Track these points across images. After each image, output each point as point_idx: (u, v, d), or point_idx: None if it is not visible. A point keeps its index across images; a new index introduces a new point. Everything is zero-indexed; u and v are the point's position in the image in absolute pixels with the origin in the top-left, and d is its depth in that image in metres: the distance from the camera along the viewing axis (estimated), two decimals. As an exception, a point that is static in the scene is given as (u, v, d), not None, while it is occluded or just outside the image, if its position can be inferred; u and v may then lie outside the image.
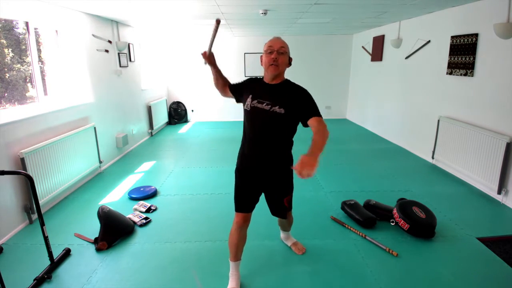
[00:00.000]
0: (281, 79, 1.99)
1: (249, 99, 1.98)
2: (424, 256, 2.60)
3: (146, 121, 6.87)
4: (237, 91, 2.15)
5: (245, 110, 2.02)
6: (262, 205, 2.25)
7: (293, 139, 2.08)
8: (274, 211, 2.25)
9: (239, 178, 2.16)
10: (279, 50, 1.90)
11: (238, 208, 2.16)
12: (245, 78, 2.19)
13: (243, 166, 2.13)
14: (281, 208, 2.21)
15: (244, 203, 2.14)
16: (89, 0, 3.70)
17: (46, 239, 2.42)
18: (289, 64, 2.00)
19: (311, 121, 1.85)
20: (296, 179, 2.07)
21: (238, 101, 2.17)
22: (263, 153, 2.02)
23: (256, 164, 2.06)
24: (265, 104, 1.92)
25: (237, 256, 2.23)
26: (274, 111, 1.90)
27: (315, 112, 1.88)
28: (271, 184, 2.12)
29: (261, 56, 2.02)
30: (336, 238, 2.87)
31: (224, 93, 2.24)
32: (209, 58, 2.15)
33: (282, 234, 2.75)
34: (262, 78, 2.06)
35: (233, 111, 8.65)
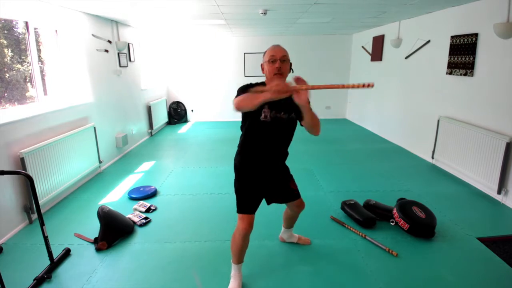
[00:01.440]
0: None
1: (266, 110, 1.96)
2: (424, 256, 2.60)
3: (146, 121, 6.87)
4: None
5: (261, 122, 1.98)
6: (262, 206, 2.25)
7: (304, 140, 2.17)
8: (286, 198, 2.31)
9: (245, 180, 2.15)
10: (281, 59, 1.92)
11: (245, 210, 2.11)
12: (245, 84, 2.02)
13: (250, 170, 2.14)
14: (290, 192, 2.29)
15: (250, 204, 2.12)
16: (89, 0, 3.70)
17: (46, 239, 2.42)
18: (291, 70, 2.03)
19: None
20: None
21: (246, 113, 2.06)
22: (277, 158, 2.16)
23: (270, 168, 2.16)
24: (282, 113, 1.98)
25: (240, 259, 2.24)
26: (291, 117, 2.00)
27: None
28: (276, 178, 2.21)
29: (261, 64, 2.04)
30: (336, 238, 2.87)
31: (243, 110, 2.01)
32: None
33: (285, 233, 2.74)
34: (264, 84, 1.99)
35: (233, 111, 8.64)
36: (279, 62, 1.91)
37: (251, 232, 2.17)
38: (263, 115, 1.98)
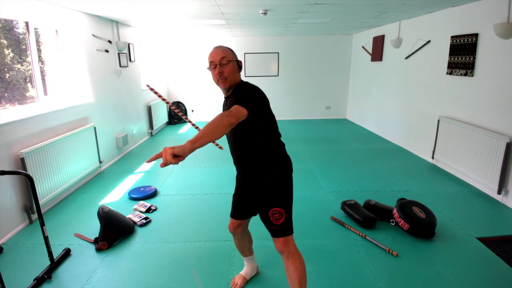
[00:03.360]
0: (234, 87, 1.81)
1: None
2: (424, 256, 2.60)
3: (146, 121, 6.87)
4: None
5: None
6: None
7: (283, 141, 1.91)
8: (265, 224, 1.88)
9: (235, 188, 2.14)
10: (221, 62, 1.74)
11: (231, 213, 2.15)
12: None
13: (237, 177, 2.10)
14: (267, 222, 1.82)
15: (234, 209, 2.12)
16: (89, 0, 3.70)
17: (46, 239, 2.42)
18: (240, 68, 1.82)
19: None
20: (296, 189, 1.97)
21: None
22: (238, 166, 1.94)
23: (240, 177, 2.01)
24: None
25: (243, 254, 2.29)
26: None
27: (237, 102, 1.59)
28: (258, 196, 1.88)
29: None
30: (336, 238, 2.87)
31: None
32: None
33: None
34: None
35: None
36: (219, 67, 1.74)
37: (243, 232, 2.17)
38: None
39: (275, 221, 1.79)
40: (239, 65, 1.82)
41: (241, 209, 2.07)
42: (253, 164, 1.83)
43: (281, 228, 1.80)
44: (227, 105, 1.78)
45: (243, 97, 1.64)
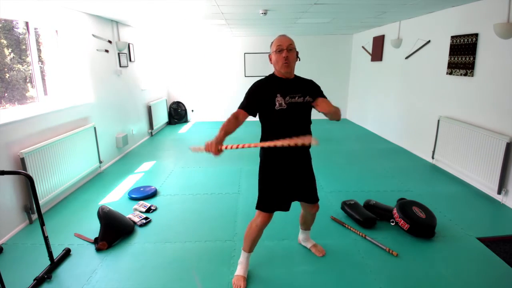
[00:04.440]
0: (293, 74, 2.12)
1: (279, 98, 2.00)
2: (424, 256, 2.60)
3: (146, 121, 6.87)
4: (255, 106, 2.06)
5: (277, 110, 2.00)
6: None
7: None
8: (304, 196, 2.24)
9: (272, 177, 2.12)
10: (288, 48, 1.99)
11: (268, 209, 2.12)
12: (249, 87, 2.11)
13: (278, 164, 2.10)
14: (312, 194, 2.26)
15: (272, 202, 2.12)
16: (89, 0, 3.70)
17: (46, 239, 2.42)
18: (297, 58, 2.10)
19: (320, 100, 2.01)
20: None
21: (259, 113, 2.10)
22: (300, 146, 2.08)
23: (293, 158, 2.11)
24: (297, 97, 2.02)
25: (251, 248, 2.30)
26: (307, 101, 2.04)
27: (324, 95, 2.11)
28: (299, 171, 2.16)
29: (269, 55, 2.11)
30: (336, 238, 2.87)
31: (240, 123, 2.06)
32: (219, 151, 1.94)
33: (301, 235, 2.70)
34: (270, 77, 2.12)
35: (233, 111, 8.64)
36: (286, 51, 1.98)
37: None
38: (277, 103, 2.01)
39: (315, 191, 2.27)
40: (297, 54, 2.09)
41: (287, 199, 2.17)
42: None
43: (317, 195, 2.31)
44: (303, 87, 2.07)
45: (321, 89, 2.13)
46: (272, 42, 2.08)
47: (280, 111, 2.00)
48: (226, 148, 1.91)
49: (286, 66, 2.00)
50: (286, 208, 2.19)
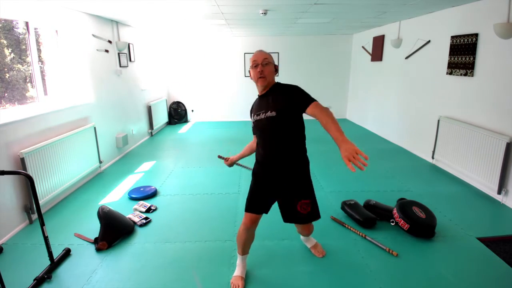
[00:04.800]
0: (269, 86, 2.09)
1: (251, 116, 2.18)
2: (424, 256, 2.60)
3: (146, 121, 6.87)
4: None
5: (252, 128, 2.20)
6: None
7: (306, 140, 2.13)
8: (285, 217, 2.23)
9: (254, 181, 2.21)
10: (263, 62, 2.03)
11: (247, 208, 2.18)
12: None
13: (258, 171, 2.19)
14: (294, 213, 2.17)
15: (254, 204, 2.16)
16: (89, 0, 3.70)
17: (46, 239, 2.42)
18: (276, 71, 2.12)
19: (310, 109, 1.86)
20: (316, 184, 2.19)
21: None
22: (273, 158, 2.09)
23: (268, 169, 2.13)
24: (261, 114, 2.06)
25: (244, 251, 2.31)
26: (267, 116, 2.01)
27: (309, 100, 1.90)
28: (284, 187, 2.14)
29: (249, 71, 2.15)
30: (336, 238, 2.87)
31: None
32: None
33: (302, 236, 2.70)
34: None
35: (233, 111, 8.66)
36: (260, 66, 2.02)
37: (256, 229, 2.23)
38: (252, 121, 2.16)
39: (303, 210, 2.16)
40: (275, 68, 2.11)
41: (264, 203, 2.17)
42: (291, 156, 2.08)
43: (308, 216, 2.19)
44: (270, 102, 2.02)
45: (306, 94, 1.95)
46: (250, 59, 2.14)
47: (253, 128, 2.19)
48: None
49: (262, 80, 2.03)
50: (265, 210, 2.18)
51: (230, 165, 2.49)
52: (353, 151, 1.55)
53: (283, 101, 1.97)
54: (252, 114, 2.15)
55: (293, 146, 2.07)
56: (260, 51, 2.09)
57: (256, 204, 2.16)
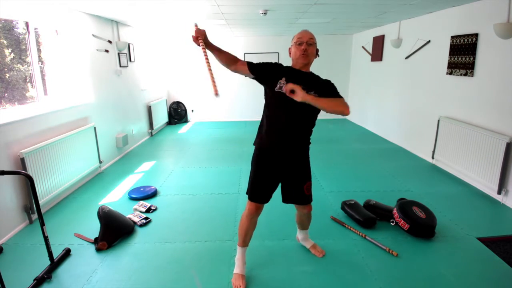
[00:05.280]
0: (309, 69, 2.11)
1: (282, 81, 2.00)
2: (424, 256, 2.60)
3: (146, 121, 6.87)
4: (263, 70, 2.12)
5: (275, 92, 2.01)
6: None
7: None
8: (289, 198, 2.25)
9: (258, 165, 2.16)
10: (308, 42, 2.02)
11: (253, 197, 2.16)
12: (267, 61, 2.19)
13: (265, 149, 2.13)
14: (301, 195, 2.23)
15: (260, 192, 2.15)
16: (89, 0, 3.70)
17: (46, 239, 2.42)
18: (317, 55, 2.12)
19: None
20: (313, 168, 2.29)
21: (261, 80, 2.15)
22: (290, 136, 2.07)
23: (281, 146, 2.09)
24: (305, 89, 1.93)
25: (245, 242, 2.29)
26: (309, 94, 1.90)
27: (338, 95, 2.00)
28: (290, 169, 2.16)
29: (289, 48, 2.13)
30: (336, 238, 2.87)
31: (234, 68, 2.16)
32: (200, 38, 2.14)
33: (300, 235, 2.70)
34: (287, 66, 2.14)
35: (233, 111, 8.66)
36: (305, 44, 2.01)
37: (257, 218, 2.24)
38: (278, 85, 2.01)
39: (307, 192, 2.23)
40: (317, 51, 2.11)
41: (269, 190, 2.17)
42: (303, 141, 2.14)
43: (310, 196, 2.26)
44: (308, 80, 2.01)
45: (336, 88, 2.02)
46: (293, 36, 2.10)
47: (277, 94, 2.00)
48: (203, 47, 2.13)
49: (303, 57, 2.01)
50: (269, 198, 2.19)
51: (197, 40, 2.18)
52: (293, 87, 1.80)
53: (320, 86, 1.99)
54: (283, 79, 1.99)
55: (307, 131, 2.13)
56: (306, 31, 2.08)
57: (261, 193, 2.14)
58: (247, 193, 2.21)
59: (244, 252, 2.33)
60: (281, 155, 2.12)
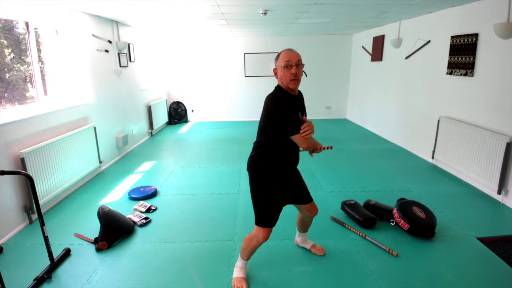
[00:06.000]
0: (297, 89, 2.08)
1: (300, 116, 2.00)
2: (424, 256, 2.60)
3: (146, 121, 6.87)
4: (297, 121, 1.99)
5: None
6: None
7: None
8: (302, 199, 2.28)
9: (274, 191, 2.09)
10: (297, 64, 1.93)
11: (269, 224, 2.10)
12: (276, 107, 1.96)
13: (282, 172, 2.10)
14: (305, 192, 2.29)
15: (277, 215, 2.14)
16: (89, 0, 3.70)
17: (46, 239, 2.42)
18: (304, 73, 2.06)
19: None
20: None
21: (284, 126, 2.04)
22: (298, 153, 2.17)
23: (295, 164, 2.20)
24: (299, 114, 2.01)
25: (249, 257, 2.31)
26: (303, 120, 2.02)
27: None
28: (294, 179, 2.23)
29: (274, 69, 2.03)
30: (336, 238, 2.87)
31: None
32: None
33: (299, 237, 2.69)
34: (283, 93, 1.99)
35: (233, 111, 8.66)
36: (295, 68, 1.91)
37: None
38: (300, 116, 2.03)
39: (305, 186, 2.30)
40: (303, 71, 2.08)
41: (280, 212, 2.17)
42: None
43: (309, 193, 2.33)
44: (302, 105, 2.12)
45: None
46: (278, 55, 1.99)
47: (295, 128, 1.95)
48: (326, 148, 2.22)
49: (294, 83, 1.94)
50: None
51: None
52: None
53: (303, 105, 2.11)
54: (299, 114, 1.99)
55: None
56: (292, 51, 1.96)
57: (277, 216, 2.14)
58: (258, 223, 2.10)
59: (247, 263, 2.34)
60: (293, 172, 2.21)
